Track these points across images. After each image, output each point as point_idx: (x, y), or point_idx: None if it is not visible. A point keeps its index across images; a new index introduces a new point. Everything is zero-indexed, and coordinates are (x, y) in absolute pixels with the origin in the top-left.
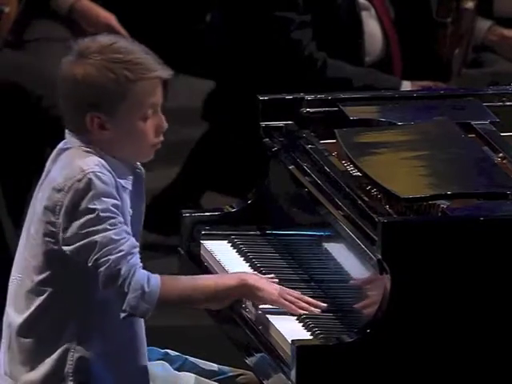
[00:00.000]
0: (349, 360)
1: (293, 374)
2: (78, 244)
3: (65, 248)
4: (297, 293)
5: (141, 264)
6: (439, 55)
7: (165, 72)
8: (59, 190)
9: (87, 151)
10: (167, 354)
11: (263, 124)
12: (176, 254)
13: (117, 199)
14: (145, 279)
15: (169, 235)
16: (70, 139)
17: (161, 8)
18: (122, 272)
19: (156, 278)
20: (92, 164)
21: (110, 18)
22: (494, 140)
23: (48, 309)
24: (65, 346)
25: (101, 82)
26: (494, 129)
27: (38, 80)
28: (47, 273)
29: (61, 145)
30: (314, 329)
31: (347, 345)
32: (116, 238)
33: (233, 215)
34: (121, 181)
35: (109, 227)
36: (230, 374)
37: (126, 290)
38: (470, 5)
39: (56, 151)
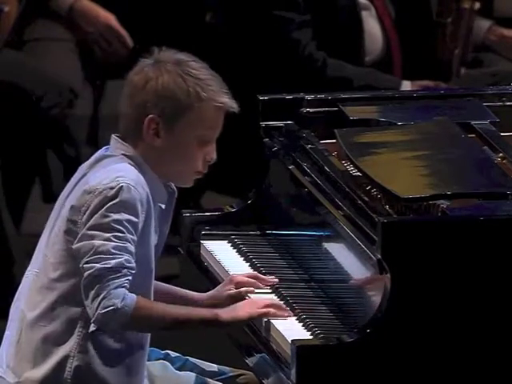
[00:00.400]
0: (349, 360)
1: (293, 373)
2: (79, 243)
3: (73, 245)
4: (267, 300)
5: (124, 284)
6: (439, 55)
7: (232, 104)
8: (89, 192)
9: (129, 163)
10: (168, 354)
11: (263, 124)
12: (176, 254)
13: (137, 217)
14: (119, 298)
15: (169, 235)
16: (115, 145)
17: (160, 8)
18: (99, 285)
19: (132, 298)
20: (129, 177)
21: (109, 18)
22: (494, 140)
23: (57, 308)
24: (67, 351)
25: (172, 88)
26: (494, 129)
27: (38, 80)
28: (61, 271)
29: (102, 151)
30: (314, 329)
31: (347, 345)
32: (113, 251)
33: (233, 215)
34: (156, 196)
35: (112, 238)
36: (230, 374)
37: (96, 305)
38: (469, 4)
39: (96, 157)
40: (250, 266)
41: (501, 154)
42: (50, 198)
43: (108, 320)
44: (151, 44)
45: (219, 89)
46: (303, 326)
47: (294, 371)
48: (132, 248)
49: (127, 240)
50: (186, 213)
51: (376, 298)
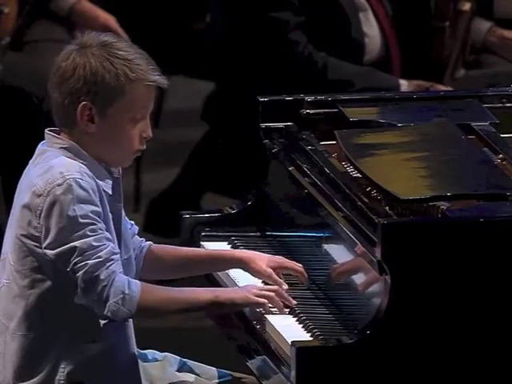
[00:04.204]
0: (348, 361)
1: (293, 375)
2: (58, 249)
3: (47, 253)
4: (272, 287)
5: (120, 270)
6: (438, 59)
7: (162, 80)
8: (39, 195)
9: (67, 155)
10: (166, 357)
11: (263, 125)
12: None
13: (97, 206)
14: (125, 284)
15: (169, 237)
16: (50, 140)
17: (160, 9)
18: (102, 277)
19: (136, 284)
20: (73, 170)
21: (109, 19)
22: (493, 141)
23: (32, 315)
24: (55, 354)
25: (101, 73)
26: (494, 130)
27: (38, 82)
28: (31, 278)
29: (40, 146)
30: (314, 330)
31: (347, 346)
32: (95, 244)
33: (233, 216)
34: (101, 183)
35: (89, 233)
36: (229, 377)
37: (106, 296)
38: (467, 7)
39: (37, 152)
40: None
41: (501, 156)
42: None
43: (119, 309)
44: (151, 45)
45: (148, 67)
46: (303, 327)
47: (293, 372)
48: (109, 235)
49: (101, 229)
50: (186, 214)
51: (376, 299)
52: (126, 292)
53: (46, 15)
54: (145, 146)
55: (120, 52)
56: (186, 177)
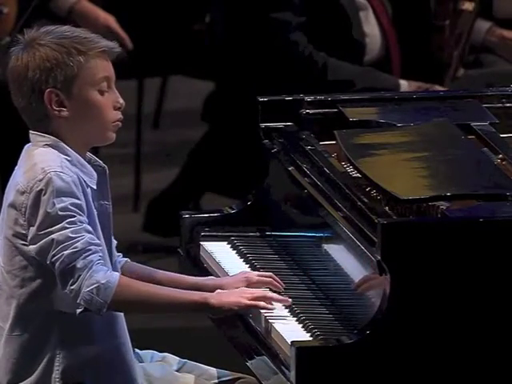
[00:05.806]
0: (348, 361)
1: (292, 375)
2: (38, 244)
3: (30, 248)
4: (259, 292)
5: (100, 261)
6: (438, 58)
7: (112, 44)
8: (23, 192)
9: (51, 151)
10: (166, 357)
11: (263, 125)
12: (176, 255)
13: (78, 198)
14: (101, 274)
15: (169, 236)
16: (34, 138)
17: (160, 9)
18: (78, 267)
19: (115, 276)
20: (54, 164)
21: (109, 19)
22: (493, 141)
23: (24, 314)
24: (50, 353)
25: (53, 56)
26: (494, 130)
27: None
28: (20, 277)
29: (26, 147)
30: (314, 330)
31: (347, 346)
32: (72, 235)
33: (232, 216)
34: (85, 178)
35: (67, 225)
36: (229, 377)
37: (80, 285)
38: (467, 6)
39: (22, 154)
40: (249, 267)
41: (500, 156)
42: None
43: (93, 298)
44: (151, 45)
45: (93, 37)
46: (303, 327)
47: (293, 372)
48: (89, 228)
49: (81, 221)
50: (186, 214)
51: (376, 299)
52: (102, 282)
53: (46, 15)
54: (121, 115)
55: (65, 33)
56: (186, 177)
